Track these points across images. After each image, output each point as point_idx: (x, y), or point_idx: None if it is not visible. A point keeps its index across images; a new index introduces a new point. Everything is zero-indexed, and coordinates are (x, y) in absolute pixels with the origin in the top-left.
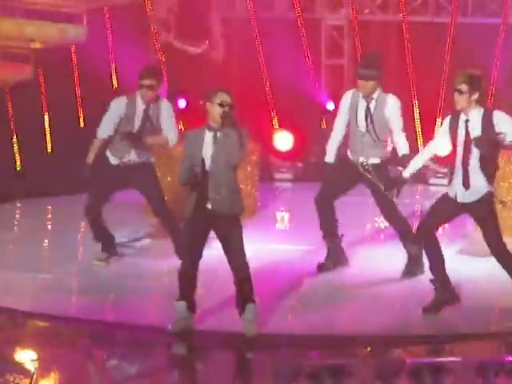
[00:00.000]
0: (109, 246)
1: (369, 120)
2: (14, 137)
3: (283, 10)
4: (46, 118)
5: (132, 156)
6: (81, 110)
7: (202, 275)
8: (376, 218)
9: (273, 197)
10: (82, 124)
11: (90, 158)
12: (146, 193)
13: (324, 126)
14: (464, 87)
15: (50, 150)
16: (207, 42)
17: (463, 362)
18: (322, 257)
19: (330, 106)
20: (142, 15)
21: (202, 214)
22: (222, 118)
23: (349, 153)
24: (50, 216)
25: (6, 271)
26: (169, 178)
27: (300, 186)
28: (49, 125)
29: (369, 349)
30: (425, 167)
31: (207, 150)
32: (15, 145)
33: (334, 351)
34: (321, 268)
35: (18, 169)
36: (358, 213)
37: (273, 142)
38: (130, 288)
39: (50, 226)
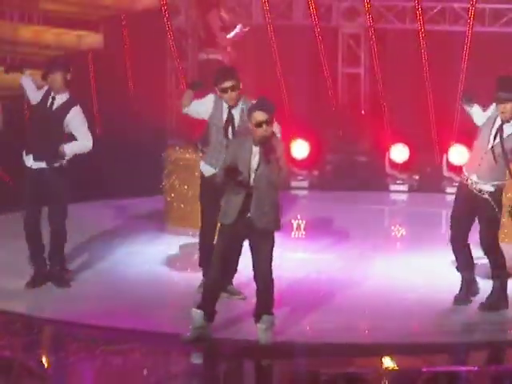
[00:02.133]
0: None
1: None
2: None
3: (300, 18)
4: None
5: None
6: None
7: None
8: (392, 227)
9: (289, 205)
10: (97, 131)
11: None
12: None
13: (341, 134)
14: None
15: None
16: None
17: (480, 370)
18: (338, 265)
19: (348, 114)
20: (159, 23)
21: (242, 223)
22: (260, 140)
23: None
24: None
25: (22, 278)
26: (185, 187)
27: (316, 195)
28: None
29: (385, 358)
30: None
31: (254, 163)
32: None
33: (350, 359)
34: (457, 301)
35: None
36: (374, 221)
37: (290, 150)
38: (145, 295)
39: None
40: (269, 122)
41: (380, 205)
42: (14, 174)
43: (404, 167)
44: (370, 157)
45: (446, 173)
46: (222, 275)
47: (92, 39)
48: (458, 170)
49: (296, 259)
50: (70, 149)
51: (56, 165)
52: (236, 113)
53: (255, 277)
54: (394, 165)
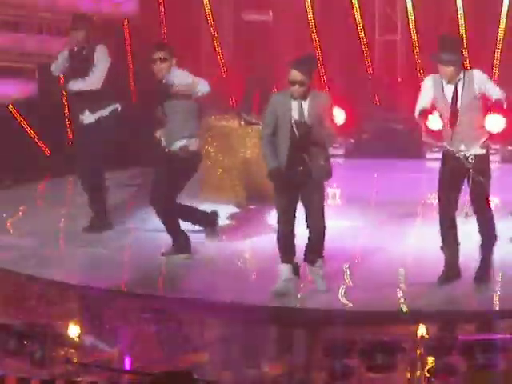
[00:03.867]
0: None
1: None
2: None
3: None
4: None
5: None
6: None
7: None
8: (428, 195)
9: None
10: (133, 99)
11: None
12: None
13: (377, 102)
14: None
15: None
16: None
17: None
18: (374, 233)
19: (384, 81)
20: None
21: (293, 174)
22: (293, 96)
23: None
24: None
25: (60, 246)
26: (220, 155)
27: (351, 163)
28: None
29: (421, 326)
30: None
31: (294, 117)
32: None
33: (386, 328)
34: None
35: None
36: (410, 189)
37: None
38: (180, 264)
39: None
40: (302, 83)
41: (416, 172)
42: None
43: (439, 135)
44: (407, 125)
45: (424, 138)
46: (290, 227)
47: (128, 6)
48: (436, 135)
49: (332, 227)
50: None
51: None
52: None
53: (309, 224)
54: (429, 132)
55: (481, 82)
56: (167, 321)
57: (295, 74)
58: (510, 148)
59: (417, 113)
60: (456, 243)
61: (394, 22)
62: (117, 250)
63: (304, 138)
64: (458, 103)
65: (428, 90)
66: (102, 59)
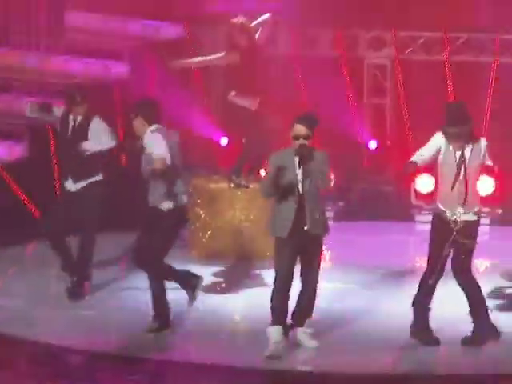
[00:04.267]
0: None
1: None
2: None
3: (326, 48)
4: None
5: None
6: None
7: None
8: (417, 258)
9: None
10: (123, 162)
11: None
12: None
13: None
14: None
15: None
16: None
17: None
18: (362, 296)
19: (373, 144)
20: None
21: (297, 235)
22: (297, 151)
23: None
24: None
25: (49, 307)
26: (208, 219)
27: (340, 225)
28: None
29: None
30: None
31: (299, 174)
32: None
33: None
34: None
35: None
36: (399, 252)
37: None
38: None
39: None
40: (306, 137)
41: (405, 235)
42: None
43: (429, 198)
44: (396, 187)
45: (414, 201)
46: (288, 287)
47: (118, 68)
48: (425, 198)
49: (320, 289)
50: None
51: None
52: None
53: (304, 283)
54: (419, 195)
55: (485, 149)
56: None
57: (300, 128)
58: (499, 211)
59: (413, 158)
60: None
61: (383, 85)
62: (104, 311)
63: (308, 195)
64: (463, 168)
65: (436, 144)
66: (104, 129)
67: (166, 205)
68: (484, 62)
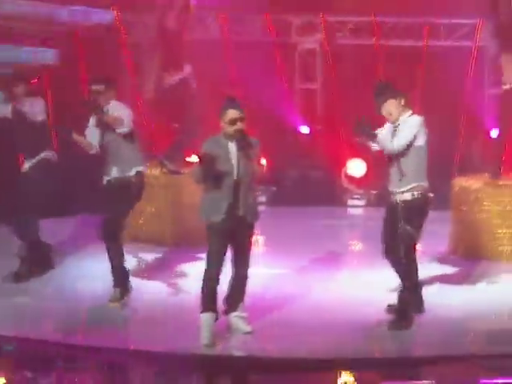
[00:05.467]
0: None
1: None
2: None
3: (258, 34)
4: None
5: None
6: (53, 134)
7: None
8: (349, 242)
9: None
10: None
11: None
12: None
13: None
14: None
15: None
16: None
17: None
18: (295, 280)
19: (304, 130)
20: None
21: (231, 221)
22: (236, 135)
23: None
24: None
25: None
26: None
27: (273, 210)
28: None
29: (343, 373)
30: None
31: (234, 159)
32: None
33: (310, 375)
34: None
35: None
36: (331, 236)
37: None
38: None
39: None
40: (242, 119)
41: (337, 219)
42: None
43: (361, 182)
44: (327, 172)
45: (345, 185)
46: (219, 272)
47: (46, 55)
48: (356, 182)
49: (253, 275)
50: None
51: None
52: None
53: (236, 269)
54: (350, 179)
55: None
56: (90, 370)
57: (234, 112)
58: (373, 192)
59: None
60: None
61: (313, 71)
62: (43, 299)
63: (242, 181)
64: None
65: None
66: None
67: (134, 171)
68: (413, 47)
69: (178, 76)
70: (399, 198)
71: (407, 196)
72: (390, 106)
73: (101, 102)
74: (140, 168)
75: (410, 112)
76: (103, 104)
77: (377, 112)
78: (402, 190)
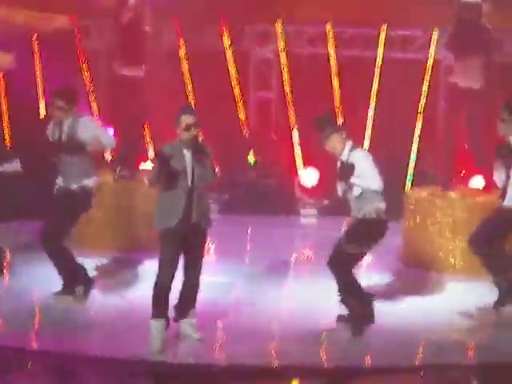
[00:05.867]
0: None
1: None
2: None
3: (212, 41)
4: None
5: None
6: (8, 138)
7: None
8: (301, 250)
9: None
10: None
11: None
12: None
13: (253, 159)
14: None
15: None
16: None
17: None
18: (246, 289)
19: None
20: (71, 43)
21: (185, 226)
22: (190, 142)
23: None
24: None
25: None
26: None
27: (225, 218)
28: None
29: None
30: None
31: (189, 166)
32: None
33: (260, 382)
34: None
35: None
36: (283, 245)
37: None
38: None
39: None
40: (196, 125)
41: (290, 228)
42: None
43: (314, 191)
44: (281, 181)
45: (298, 194)
46: (171, 278)
47: (3, 59)
48: (308, 191)
49: (204, 283)
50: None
51: None
52: None
53: (188, 275)
54: (303, 189)
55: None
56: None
57: (189, 118)
58: (325, 202)
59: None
60: None
61: (268, 80)
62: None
63: (196, 187)
64: None
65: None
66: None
67: (81, 183)
68: (369, 57)
69: (132, 73)
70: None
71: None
72: (334, 141)
73: (61, 117)
74: (86, 181)
75: (351, 143)
76: (63, 119)
77: (320, 144)
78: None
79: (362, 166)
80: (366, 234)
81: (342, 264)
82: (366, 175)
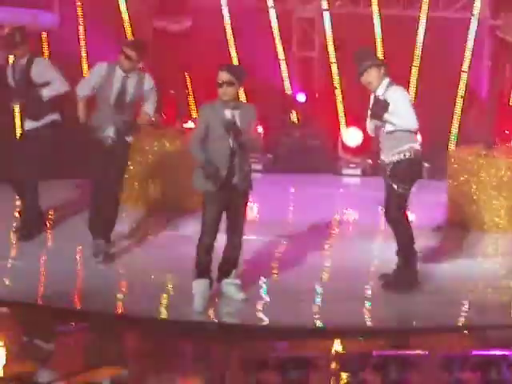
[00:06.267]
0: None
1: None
2: None
3: (254, 1)
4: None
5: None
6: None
7: None
8: (344, 210)
9: None
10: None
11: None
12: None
13: (294, 118)
14: None
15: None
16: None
17: (429, 355)
18: (290, 248)
19: (301, 97)
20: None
21: (226, 188)
22: (230, 101)
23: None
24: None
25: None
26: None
27: (269, 178)
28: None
29: (336, 342)
30: None
31: (229, 125)
32: None
33: (299, 343)
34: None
35: None
36: (326, 205)
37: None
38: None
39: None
40: (229, 84)
41: (332, 188)
42: None
43: (357, 151)
44: (324, 140)
45: (341, 154)
46: (214, 238)
47: (47, 18)
48: (351, 151)
49: (248, 242)
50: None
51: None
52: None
53: (231, 236)
54: (346, 148)
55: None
56: (83, 334)
57: (221, 74)
58: (369, 161)
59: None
60: None
61: (311, 39)
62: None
63: (237, 146)
64: None
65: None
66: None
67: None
68: (412, 16)
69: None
70: (388, 160)
71: (395, 158)
72: (372, 75)
73: (16, 54)
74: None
75: (388, 80)
76: (19, 57)
77: (356, 80)
78: (392, 153)
79: (397, 104)
80: (406, 173)
81: (397, 210)
82: (402, 114)
